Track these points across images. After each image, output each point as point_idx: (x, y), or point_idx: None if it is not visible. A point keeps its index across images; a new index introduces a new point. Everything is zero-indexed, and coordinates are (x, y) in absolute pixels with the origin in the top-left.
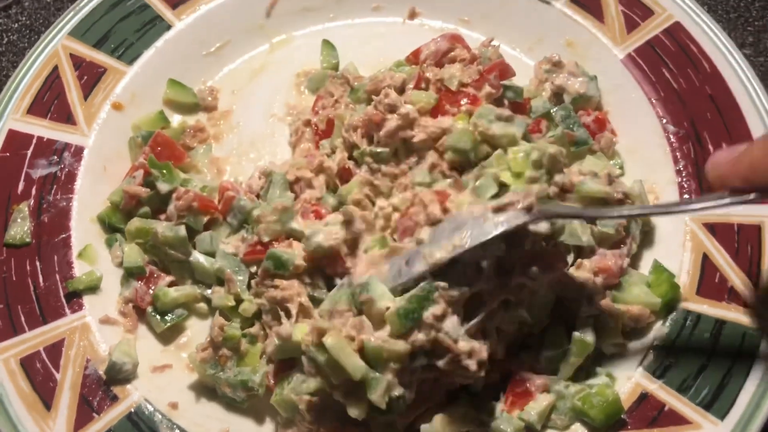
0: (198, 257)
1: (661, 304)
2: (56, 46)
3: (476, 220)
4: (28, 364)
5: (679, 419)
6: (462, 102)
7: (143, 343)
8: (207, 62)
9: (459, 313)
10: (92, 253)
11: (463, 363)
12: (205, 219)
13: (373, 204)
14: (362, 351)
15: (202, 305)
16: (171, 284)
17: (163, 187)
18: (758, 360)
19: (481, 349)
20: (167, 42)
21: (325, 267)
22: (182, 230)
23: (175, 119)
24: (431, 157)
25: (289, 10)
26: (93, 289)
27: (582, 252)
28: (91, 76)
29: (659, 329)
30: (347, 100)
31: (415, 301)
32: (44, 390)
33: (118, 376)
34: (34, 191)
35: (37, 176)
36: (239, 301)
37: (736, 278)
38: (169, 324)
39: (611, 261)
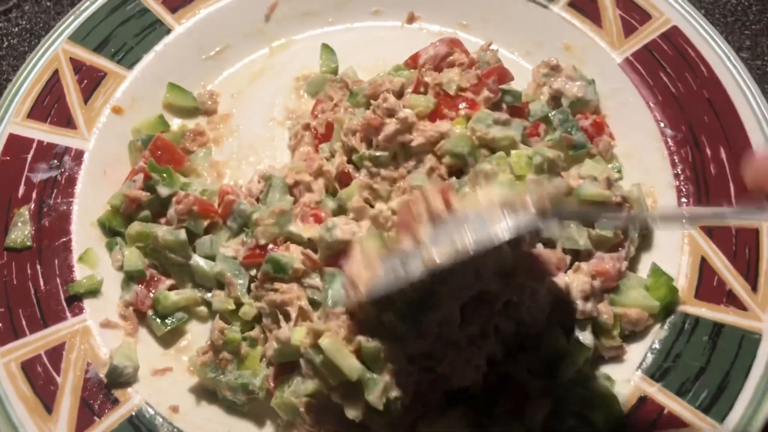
0: (198, 261)
1: (659, 308)
2: (56, 50)
3: (481, 220)
4: (29, 367)
5: (679, 422)
6: (460, 106)
7: (144, 347)
8: (207, 66)
9: (456, 317)
10: (93, 256)
11: (461, 367)
12: (206, 223)
13: (372, 207)
14: (359, 352)
15: (203, 308)
16: (171, 288)
17: (163, 190)
18: (757, 363)
19: (480, 352)
20: (167, 46)
21: (339, 263)
22: (182, 234)
23: (175, 123)
24: (429, 161)
25: (289, 15)
26: (94, 292)
27: (579, 255)
28: (91, 80)
29: (657, 332)
30: (346, 104)
31: (415, 306)
32: (45, 393)
33: (119, 379)
34: (34, 195)
35: (37, 180)
36: (239, 304)
37: (734, 281)
38: (169, 327)
39: (609, 264)
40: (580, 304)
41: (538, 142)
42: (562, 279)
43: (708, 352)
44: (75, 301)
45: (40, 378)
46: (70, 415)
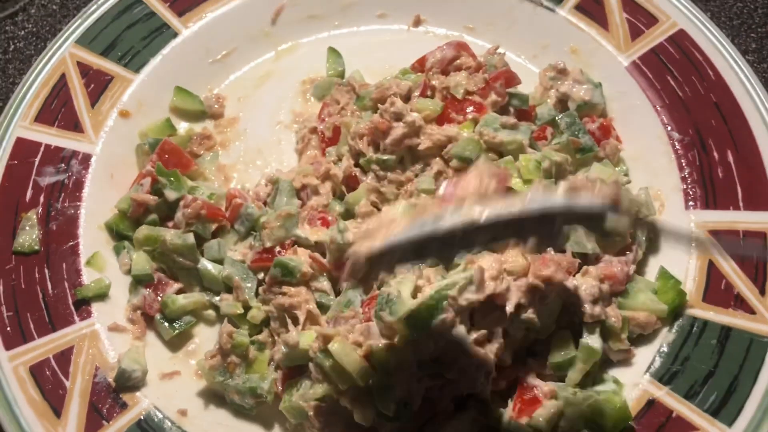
0: (206, 264)
1: (667, 311)
2: (64, 53)
3: (540, 193)
4: (37, 371)
5: (687, 426)
6: (468, 110)
7: (152, 351)
8: (213, 70)
9: (466, 321)
10: (100, 260)
11: (470, 372)
12: (214, 227)
13: (380, 211)
14: (369, 357)
15: (211, 312)
16: (179, 291)
17: (170, 194)
18: (765, 366)
19: (488, 358)
20: (174, 50)
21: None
22: (190, 238)
23: (182, 127)
24: (437, 164)
25: (295, 18)
26: (101, 296)
27: (587, 259)
28: (98, 84)
29: (666, 336)
30: (353, 107)
31: (425, 309)
32: (54, 397)
33: (127, 383)
34: (42, 199)
35: (45, 184)
36: (247, 308)
37: (743, 285)
38: (177, 331)
39: (617, 268)
40: (588, 307)
41: (546, 146)
42: (571, 282)
43: (716, 356)
44: (83, 305)
45: (49, 382)
46: (78, 419)
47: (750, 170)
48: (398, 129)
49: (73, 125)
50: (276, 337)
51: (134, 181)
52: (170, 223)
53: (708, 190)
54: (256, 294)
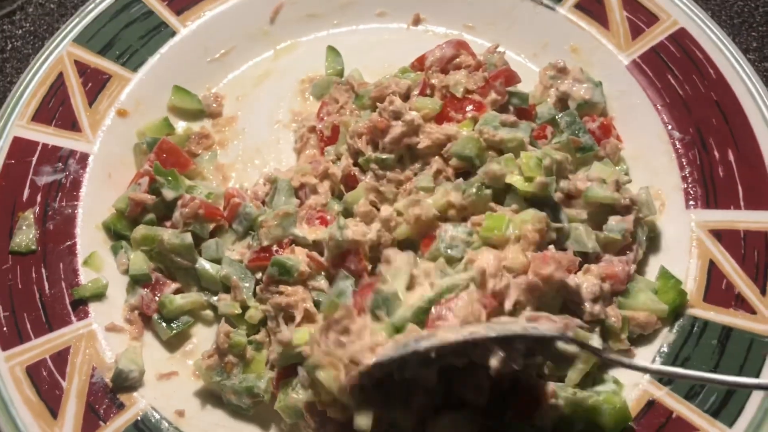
0: (204, 264)
1: (668, 311)
2: (61, 52)
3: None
4: (34, 372)
5: (687, 427)
6: (467, 109)
7: (149, 351)
8: (211, 69)
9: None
10: (98, 260)
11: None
12: (211, 226)
13: (378, 210)
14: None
15: (208, 312)
16: (177, 291)
17: (168, 194)
18: (766, 366)
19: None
20: (172, 48)
21: (347, 264)
22: (188, 237)
23: (180, 126)
24: (436, 163)
25: (294, 17)
26: (99, 296)
27: (588, 257)
28: (96, 83)
29: (666, 336)
30: (352, 106)
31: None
32: (50, 398)
33: (124, 383)
34: (39, 198)
35: (42, 183)
36: (245, 308)
37: (743, 285)
38: (175, 331)
39: (618, 267)
40: (588, 306)
41: (546, 145)
42: (572, 280)
43: (717, 356)
44: (80, 305)
45: (46, 382)
46: (75, 419)
47: (751, 169)
48: (397, 128)
49: (71, 124)
50: (272, 337)
51: (132, 181)
52: (168, 223)
53: (709, 189)
54: (254, 294)
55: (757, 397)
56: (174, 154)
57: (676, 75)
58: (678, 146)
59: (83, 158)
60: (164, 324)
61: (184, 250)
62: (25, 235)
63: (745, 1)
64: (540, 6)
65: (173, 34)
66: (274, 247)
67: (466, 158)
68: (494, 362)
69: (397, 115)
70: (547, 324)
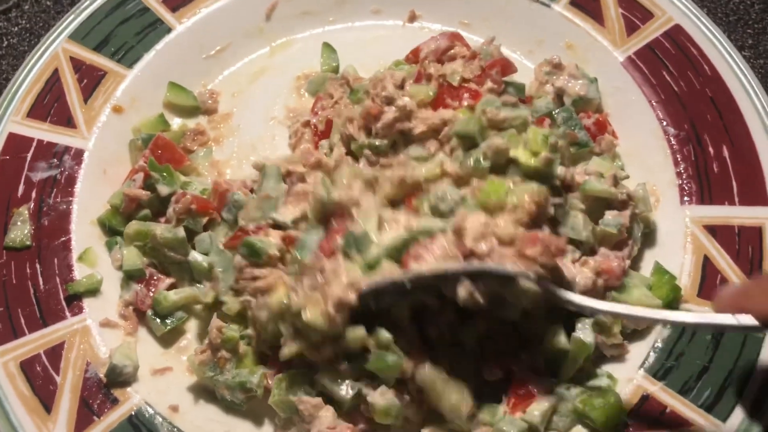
0: (196, 257)
1: (661, 306)
2: (56, 49)
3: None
4: (28, 367)
5: (681, 421)
6: (463, 96)
7: (143, 346)
8: (207, 65)
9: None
10: (92, 256)
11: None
12: (204, 220)
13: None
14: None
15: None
16: (171, 286)
17: (163, 189)
18: (760, 362)
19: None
20: (167, 45)
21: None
22: (181, 231)
23: (176, 122)
24: (433, 146)
25: (289, 14)
26: (93, 292)
27: (582, 248)
28: (91, 80)
29: (660, 331)
30: (346, 101)
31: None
32: (44, 393)
33: (118, 379)
34: (34, 194)
35: (37, 179)
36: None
37: (738, 280)
38: (169, 327)
39: (614, 263)
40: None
41: None
42: (569, 271)
43: (711, 351)
44: (74, 301)
45: (39, 377)
46: (69, 414)
47: (745, 165)
48: (389, 113)
49: (66, 120)
50: (252, 326)
51: (127, 177)
52: (162, 219)
53: (703, 185)
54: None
55: (751, 391)
56: (169, 151)
57: (671, 71)
58: (673, 142)
59: (78, 154)
60: (158, 320)
61: (177, 244)
62: (20, 231)
63: None
64: (535, 3)
65: (169, 30)
66: (251, 227)
67: (468, 136)
68: (462, 291)
69: (389, 101)
70: (511, 264)
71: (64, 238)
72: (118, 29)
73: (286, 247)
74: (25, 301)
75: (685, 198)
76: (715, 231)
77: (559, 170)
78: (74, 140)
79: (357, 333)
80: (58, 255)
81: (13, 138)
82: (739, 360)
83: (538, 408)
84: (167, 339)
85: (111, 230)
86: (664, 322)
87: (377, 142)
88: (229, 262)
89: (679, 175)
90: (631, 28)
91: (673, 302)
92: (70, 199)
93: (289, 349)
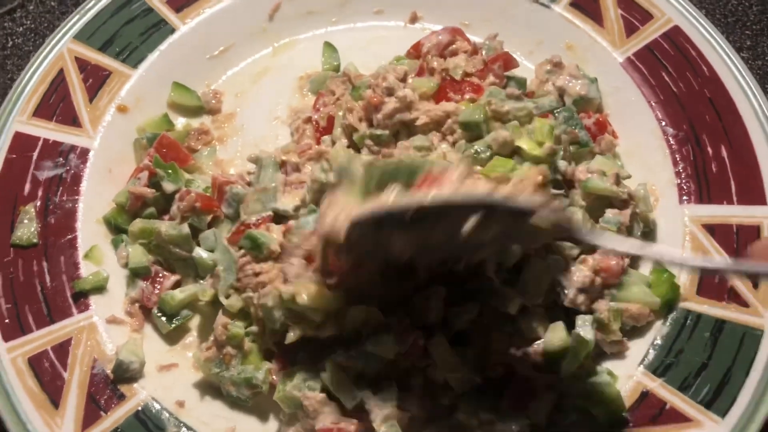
0: (201, 253)
1: (660, 304)
2: (62, 49)
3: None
4: (36, 363)
5: (681, 417)
6: (465, 90)
7: (150, 343)
8: (211, 65)
9: None
10: (98, 253)
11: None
12: (209, 218)
13: None
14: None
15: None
16: (176, 284)
17: (168, 186)
18: (758, 359)
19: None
20: (171, 45)
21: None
22: (185, 228)
23: (180, 122)
24: (436, 138)
25: (292, 15)
26: (99, 289)
27: (582, 246)
28: (96, 79)
29: (660, 329)
30: (348, 97)
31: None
32: (52, 389)
33: (125, 375)
34: (40, 193)
35: (43, 178)
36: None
37: (737, 279)
38: (174, 325)
39: (613, 261)
40: (572, 293)
41: None
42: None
43: (710, 348)
44: (81, 298)
45: (47, 373)
46: (76, 410)
47: (743, 165)
48: (390, 103)
49: (71, 120)
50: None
51: (132, 175)
52: (166, 217)
53: (702, 184)
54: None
55: (749, 388)
56: (174, 150)
57: (670, 72)
58: (672, 142)
59: (84, 153)
60: (164, 319)
61: (182, 241)
62: (27, 229)
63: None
64: (535, 4)
65: (173, 31)
66: (253, 221)
67: (473, 126)
68: (468, 225)
69: (390, 92)
70: (525, 199)
71: (70, 236)
72: (123, 29)
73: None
74: (33, 297)
75: (684, 197)
76: (713, 230)
77: (561, 164)
78: (80, 139)
79: (358, 311)
80: (64, 253)
81: (19, 137)
82: (738, 356)
83: (539, 405)
84: (173, 336)
85: (116, 228)
86: (696, 267)
87: (378, 132)
88: (232, 261)
89: (678, 174)
90: (630, 29)
91: (671, 300)
92: (76, 197)
93: (294, 333)
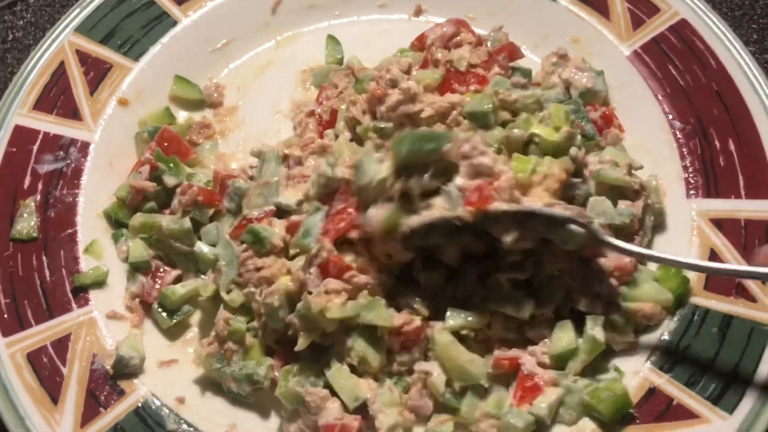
0: (202, 247)
1: (672, 299)
2: (63, 41)
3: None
4: (35, 358)
5: (688, 413)
6: (470, 81)
7: (150, 338)
8: (213, 59)
9: None
10: (98, 248)
11: None
12: (211, 212)
13: None
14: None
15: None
16: (177, 279)
17: (169, 180)
18: (766, 354)
19: None
20: (173, 38)
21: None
22: (187, 222)
23: (181, 116)
24: (440, 130)
25: (295, 8)
26: (99, 284)
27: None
28: (97, 72)
29: (667, 324)
30: (351, 91)
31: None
32: (51, 384)
33: (125, 370)
34: (40, 186)
35: (43, 171)
36: (230, 291)
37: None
38: (175, 320)
39: (627, 259)
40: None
41: None
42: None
43: (717, 344)
44: (81, 293)
45: (46, 369)
46: (76, 405)
47: (751, 159)
48: (394, 95)
49: (72, 113)
50: (258, 318)
51: (132, 169)
52: (167, 211)
53: (709, 178)
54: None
55: (757, 383)
56: (175, 143)
57: (677, 65)
58: (679, 136)
59: (84, 147)
60: (165, 314)
61: (183, 235)
62: (27, 223)
63: None
64: None
65: (174, 23)
66: (255, 215)
67: (481, 115)
68: (509, 238)
69: (393, 84)
70: (562, 209)
71: (70, 231)
72: (124, 22)
73: (289, 235)
74: (32, 292)
75: (692, 191)
76: (721, 224)
77: (572, 151)
78: (80, 133)
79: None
80: (64, 247)
81: (19, 130)
82: (746, 353)
83: (545, 400)
84: (173, 331)
85: (117, 222)
86: (709, 270)
87: (382, 125)
88: (234, 256)
89: (685, 168)
90: (636, 23)
91: (682, 295)
92: (77, 191)
93: (304, 340)
